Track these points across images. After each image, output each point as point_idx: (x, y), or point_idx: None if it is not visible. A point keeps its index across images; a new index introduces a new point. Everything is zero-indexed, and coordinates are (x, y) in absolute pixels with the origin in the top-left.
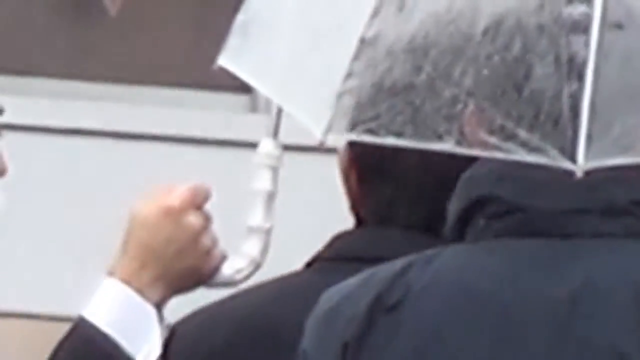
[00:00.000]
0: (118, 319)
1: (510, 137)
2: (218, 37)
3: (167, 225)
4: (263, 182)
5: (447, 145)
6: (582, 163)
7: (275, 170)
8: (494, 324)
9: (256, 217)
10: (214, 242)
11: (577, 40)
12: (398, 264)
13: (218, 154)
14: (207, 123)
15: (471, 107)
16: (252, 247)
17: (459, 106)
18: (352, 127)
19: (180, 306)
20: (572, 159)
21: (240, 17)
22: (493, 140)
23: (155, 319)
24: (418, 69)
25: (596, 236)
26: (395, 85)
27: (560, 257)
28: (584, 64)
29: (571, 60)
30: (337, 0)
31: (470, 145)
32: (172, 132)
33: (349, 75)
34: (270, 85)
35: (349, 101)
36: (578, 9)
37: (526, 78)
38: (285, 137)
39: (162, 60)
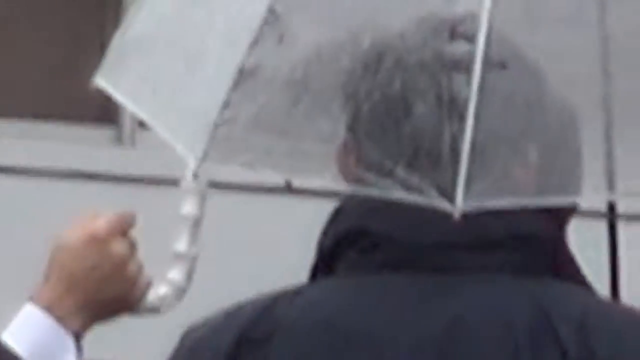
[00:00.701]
0: (35, 347)
1: (388, 174)
2: (81, 69)
3: (93, 252)
4: (189, 207)
5: (325, 181)
6: (460, 204)
7: (202, 196)
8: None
9: (181, 243)
10: (140, 269)
11: (459, 79)
12: (263, 299)
13: (83, 187)
14: (71, 156)
15: (348, 142)
16: (177, 273)
17: (337, 141)
18: (228, 158)
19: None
20: (451, 199)
21: (118, 38)
22: (370, 177)
23: (73, 349)
24: (297, 102)
25: (470, 270)
26: (273, 118)
27: (432, 292)
28: (465, 103)
29: (453, 99)
30: (215, 27)
31: (348, 181)
32: (37, 164)
33: (226, 105)
34: (146, 110)
35: (225, 131)
36: (461, 48)
37: (406, 116)
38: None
39: (24, 92)
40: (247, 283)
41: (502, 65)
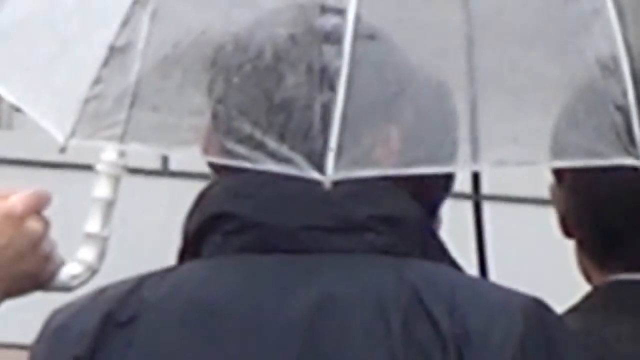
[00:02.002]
0: None
1: (258, 146)
2: None
3: (7, 230)
4: (103, 190)
5: (192, 152)
6: (330, 174)
7: (117, 179)
8: (230, 340)
9: (94, 225)
10: (53, 247)
11: (329, 51)
12: (130, 280)
13: None
14: None
15: (218, 114)
16: (88, 253)
17: (207, 114)
18: (97, 133)
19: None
20: (321, 170)
21: None
22: (241, 149)
23: None
24: (167, 76)
25: (335, 252)
26: (144, 92)
27: (298, 273)
28: (336, 74)
29: (323, 70)
30: (88, 8)
31: (217, 153)
32: None
33: (96, 81)
34: (15, 91)
35: (95, 107)
36: (331, 21)
37: (277, 87)
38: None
39: None
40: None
41: (371, 37)
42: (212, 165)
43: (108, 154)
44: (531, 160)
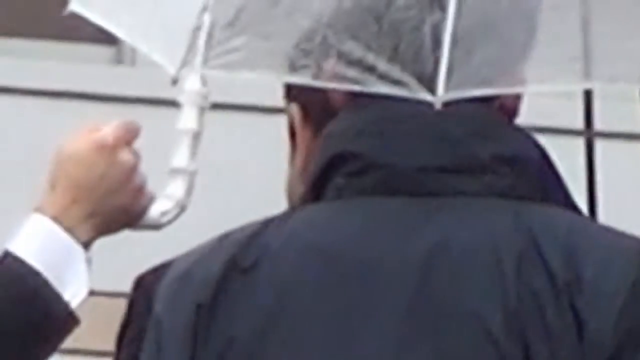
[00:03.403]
0: (46, 257)
1: (369, 69)
2: None
3: (100, 161)
4: (189, 121)
5: (303, 79)
6: (441, 94)
7: (202, 109)
8: (350, 283)
9: (181, 159)
10: (144, 180)
11: None
12: (253, 225)
13: (82, 107)
14: (71, 76)
15: (329, 40)
16: (177, 188)
17: (317, 39)
18: (208, 62)
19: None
20: (432, 90)
21: None
22: (351, 73)
23: (84, 259)
24: (275, 2)
25: (457, 194)
26: (251, 19)
27: (418, 216)
28: None
29: None
30: None
31: (328, 78)
32: (35, 84)
33: (204, 9)
34: (123, 26)
35: (204, 36)
36: None
37: (387, 9)
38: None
39: (20, 12)
40: (244, 206)
41: None
42: (321, 101)
43: (191, 84)
44: None
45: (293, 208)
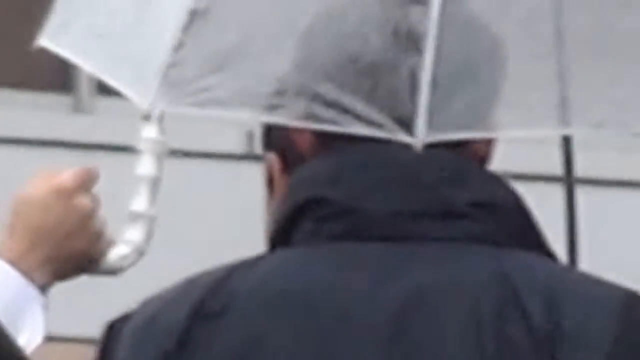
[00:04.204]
0: (4, 302)
1: (346, 110)
2: (35, 36)
3: (59, 206)
4: (147, 167)
5: (279, 118)
6: (422, 136)
7: (160, 156)
8: (323, 332)
9: (140, 204)
10: (103, 225)
11: (415, 12)
12: (219, 270)
13: (40, 154)
14: (30, 123)
15: (305, 81)
16: (135, 233)
17: (293, 79)
18: (180, 99)
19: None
20: (411, 132)
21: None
22: (329, 114)
23: (40, 304)
24: (250, 42)
25: (432, 240)
26: (225, 58)
27: (392, 262)
28: (423, 35)
29: (410, 32)
30: None
31: (304, 119)
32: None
33: (179, 46)
34: (93, 61)
35: (177, 73)
36: None
37: (363, 50)
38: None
39: None
40: (206, 251)
41: None
42: (297, 148)
43: (150, 131)
44: (632, 125)
45: (260, 253)
